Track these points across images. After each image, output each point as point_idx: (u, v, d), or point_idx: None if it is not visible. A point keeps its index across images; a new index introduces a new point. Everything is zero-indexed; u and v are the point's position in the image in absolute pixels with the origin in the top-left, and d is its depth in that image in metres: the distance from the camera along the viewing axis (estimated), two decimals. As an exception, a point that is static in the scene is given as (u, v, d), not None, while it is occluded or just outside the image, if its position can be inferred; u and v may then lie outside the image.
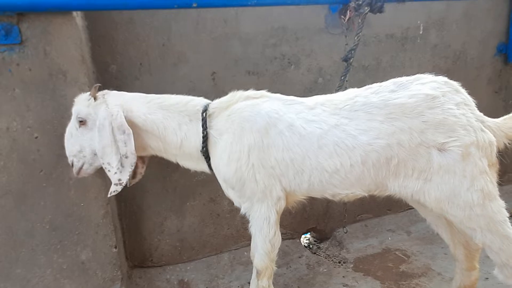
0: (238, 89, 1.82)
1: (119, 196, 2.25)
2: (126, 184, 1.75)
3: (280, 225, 1.82)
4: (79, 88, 1.83)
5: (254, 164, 1.69)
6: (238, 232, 2.63)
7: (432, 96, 1.61)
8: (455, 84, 1.68)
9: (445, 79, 1.68)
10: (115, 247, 2.08)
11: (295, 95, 1.82)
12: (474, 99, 1.70)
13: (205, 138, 1.74)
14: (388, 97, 1.64)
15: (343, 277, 2.46)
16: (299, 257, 2.66)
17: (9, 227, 1.87)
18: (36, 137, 1.83)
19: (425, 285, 2.32)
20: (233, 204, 1.87)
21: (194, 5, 1.87)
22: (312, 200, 1.90)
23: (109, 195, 1.75)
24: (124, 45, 2.17)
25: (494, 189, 1.63)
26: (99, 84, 1.75)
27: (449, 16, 2.89)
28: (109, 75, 2.17)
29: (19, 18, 1.69)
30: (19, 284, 1.93)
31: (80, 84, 1.84)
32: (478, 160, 1.58)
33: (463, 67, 3.05)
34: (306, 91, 2.57)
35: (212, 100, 1.82)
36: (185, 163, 1.87)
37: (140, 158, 1.90)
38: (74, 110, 1.75)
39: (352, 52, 2.14)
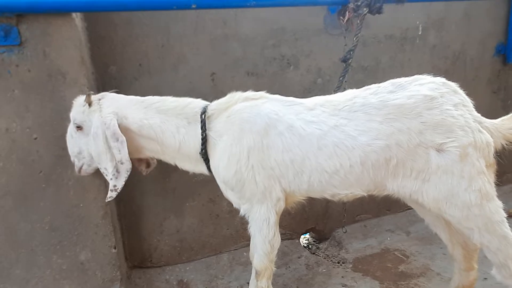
0: (237, 90, 1.82)
1: (118, 196, 2.25)
2: (143, 173, 1.85)
3: (279, 226, 1.82)
4: (79, 89, 1.83)
5: (254, 166, 1.69)
6: (237, 232, 2.63)
7: (431, 97, 1.61)
8: (453, 85, 1.68)
9: (443, 80, 1.69)
10: (115, 248, 2.08)
11: (294, 96, 1.82)
12: (473, 99, 1.70)
13: (204, 140, 1.74)
14: (387, 98, 1.65)
15: (342, 277, 2.46)
16: (298, 258, 2.67)
17: (8, 228, 1.87)
18: (36, 138, 1.83)
19: (424, 285, 2.32)
20: (233, 205, 1.87)
21: (193, 6, 1.87)
22: (311, 200, 1.90)
23: (106, 201, 1.78)
24: (124, 46, 2.17)
25: (491, 189, 1.63)
26: (92, 92, 1.75)
27: (448, 17, 2.90)
28: (108, 76, 2.17)
29: (18, 19, 1.69)
30: (18, 284, 1.93)
31: (80, 85, 1.84)
32: (476, 160, 1.59)
33: (462, 67, 3.06)
34: (305, 92, 2.58)
35: (210, 101, 1.82)
36: (184, 165, 1.87)
37: None
38: (71, 115, 1.76)
39: (351, 52, 2.15)
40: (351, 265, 2.57)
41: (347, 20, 2.24)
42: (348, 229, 2.82)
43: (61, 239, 1.97)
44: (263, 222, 1.76)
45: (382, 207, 2.99)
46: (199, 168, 1.84)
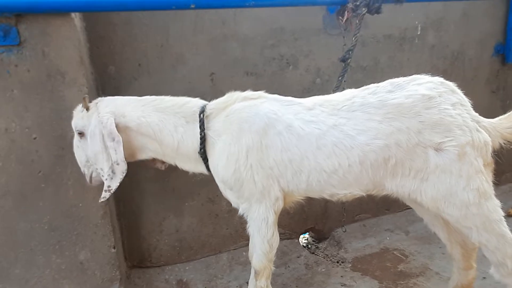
0: (236, 90, 1.82)
1: (118, 196, 2.27)
2: (160, 169, 1.89)
3: (278, 225, 1.82)
4: (78, 89, 1.84)
5: (253, 165, 1.69)
6: (236, 232, 2.63)
7: (429, 97, 1.62)
8: (451, 85, 1.69)
9: (441, 79, 1.69)
10: (114, 247, 2.08)
11: (293, 96, 1.82)
12: (471, 99, 1.70)
13: (203, 139, 1.74)
14: (386, 98, 1.65)
15: (341, 276, 2.46)
16: (298, 257, 2.67)
17: (8, 228, 1.88)
18: (35, 138, 1.84)
19: (423, 285, 2.32)
20: (232, 204, 1.88)
21: (192, 6, 1.87)
22: (310, 200, 1.90)
23: (99, 201, 1.76)
24: (123, 46, 2.17)
25: (489, 188, 1.64)
26: (86, 95, 1.75)
27: (447, 17, 2.90)
28: (107, 76, 2.17)
29: (17, 19, 1.70)
30: (17, 284, 1.93)
31: (79, 85, 1.85)
32: (474, 159, 1.59)
33: (461, 67, 3.06)
34: (304, 92, 2.58)
35: (209, 100, 1.82)
36: (184, 165, 1.87)
37: None
38: (72, 123, 1.76)
39: (350, 52, 2.15)
40: (350, 265, 2.57)
41: (346, 20, 2.24)
42: (347, 229, 2.82)
43: (60, 238, 1.97)
44: (261, 221, 1.76)
45: (381, 207, 2.99)
46: (199, 167, 1.84)
